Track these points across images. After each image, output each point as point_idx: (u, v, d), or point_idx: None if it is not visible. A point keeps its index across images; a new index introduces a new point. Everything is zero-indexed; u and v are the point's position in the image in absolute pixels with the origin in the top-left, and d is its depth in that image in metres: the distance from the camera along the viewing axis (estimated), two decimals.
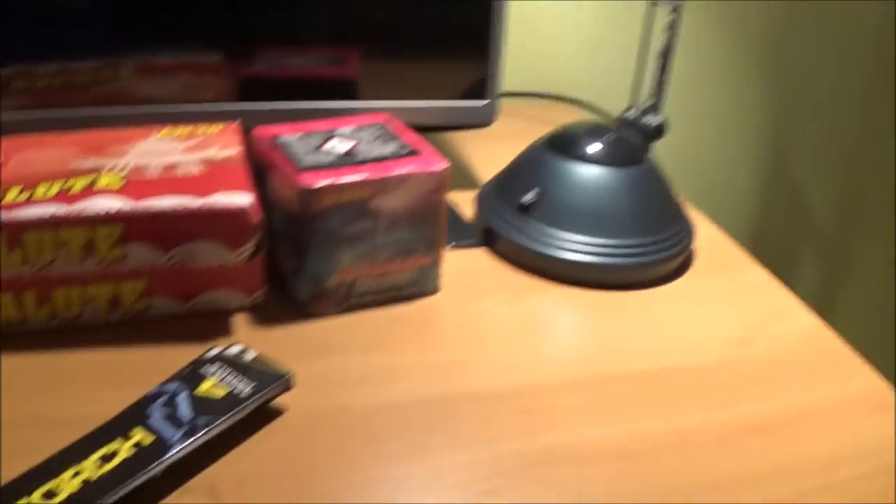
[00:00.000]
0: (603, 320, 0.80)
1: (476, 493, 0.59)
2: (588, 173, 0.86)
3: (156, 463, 0.57)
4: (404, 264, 0.76)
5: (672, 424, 0.67)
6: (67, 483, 0.55)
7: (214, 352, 0.68)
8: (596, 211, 0.85)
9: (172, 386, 0.64)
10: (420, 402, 0.68)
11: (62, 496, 0.54)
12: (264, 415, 0.65)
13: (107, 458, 0.57)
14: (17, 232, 0.68)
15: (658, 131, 0.91)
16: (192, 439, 0.59)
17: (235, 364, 0.67)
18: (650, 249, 0.85)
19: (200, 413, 0.62)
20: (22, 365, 0.69)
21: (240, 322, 0.76)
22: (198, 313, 0.75)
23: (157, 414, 0.62)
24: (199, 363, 0.67)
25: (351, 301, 0.77)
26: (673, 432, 0.66)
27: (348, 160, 0.74)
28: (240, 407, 0.63)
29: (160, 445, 0.59)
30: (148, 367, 0.70)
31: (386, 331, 0.76)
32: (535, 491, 0.60)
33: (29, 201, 0.69)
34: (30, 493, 0.54)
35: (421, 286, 0.79)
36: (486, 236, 0.90)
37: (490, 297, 0.82)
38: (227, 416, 0.62)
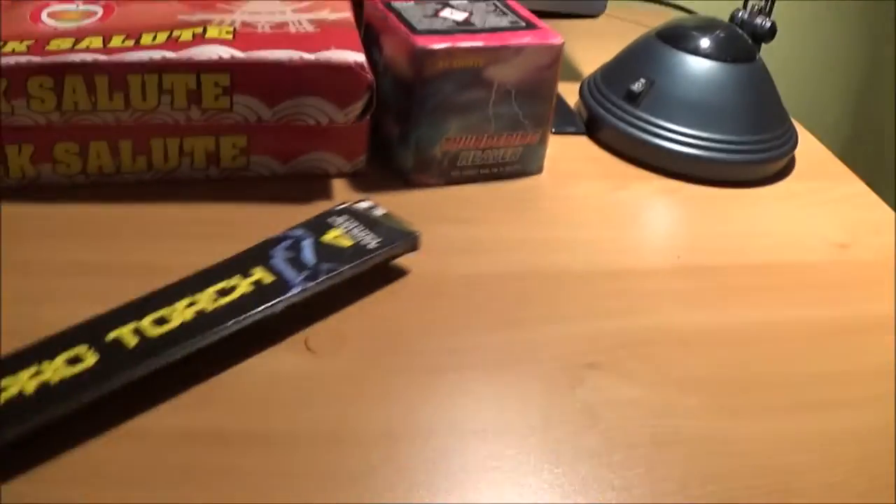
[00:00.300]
0: (704, 214, 0.78)
1: (577, 365, 0.58)
2: (699, 66, 0.84)
3: (274, 301, 0.56)
4: (510, 140, 0.75)
5: (770, 317, 0.65)
6: (181, 312, 0.54)
7: (343, 205, 0.66)
8: (704, 105, 0.83)
9: (298, 231, 0.63)
10: (521, 275, 0.67)
11: (174, 324, 0.53)
12: (367, 278, 0.64)
13: (224, 293, 0.56)
14: (120, 74, 0.66)
15: (770, 33, 0.88)
16: (313, 283, 0.58)
17: (363, 218, 0.66)
18: (756, 148, 0.83)
19: (324, 260, 0.61)
20: (116, 215, 0.69)
21: (339, 187, 0.75)
22: (296, 175, 0.74)
23: (280, 256, 0.60)
24: (327, 214, 0.65)
25: (453, 173, 0.76)
26: (770, 325, 0.64)
27: (464, 28, 0.72)
28: (365, 258, 0.62)
29: (280, 286, 0.57)
30: (247, 223, 0.69)
31: (488, 205, 0.74)
32: (636, 368, 0.59)
33: (135, 46, 0.66)
34: (140, 318, 0.53)
35: (524, 165, 0.78)
36: (590, 124, 0.88)
37: (592, 182, 0.81)
38: (351, 265, 0.61)
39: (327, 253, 0.61)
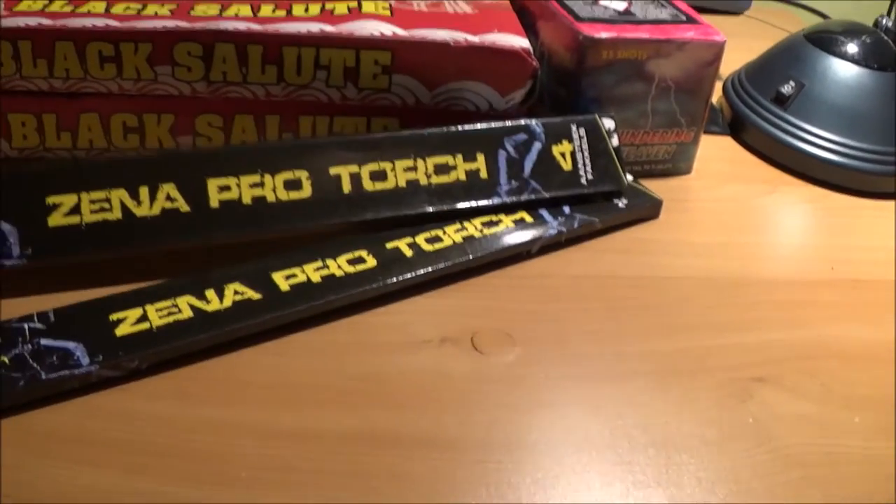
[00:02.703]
0: (851, 224, 0.75)
1: (744, 378, 0.56)
2: (848, 72, 0.81)
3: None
4: (665, 137, 0.72)
5: None
6: (451, 235, 0.61)
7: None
8: (853, 112, 0.80)
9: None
10: (680, 280, 0.65)
11: (445, 244, 0.60)
12: (526, 278, 0.63)
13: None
14: (276, 46, 0.64)
15: None
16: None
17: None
18: None
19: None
20: None
21: None
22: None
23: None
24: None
25: None
26: None
27: (627, 18, 0.69)
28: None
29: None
30: None
31: None
32: (802, 383, 0.57)
33: (288, 17, 0.64)
34: (415, 235, 0.61)
35: (675, 164, 0.75)
36: (734, 123, 0.86)
37: (739, 185, 0.78)
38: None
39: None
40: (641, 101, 0.71)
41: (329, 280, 0.55)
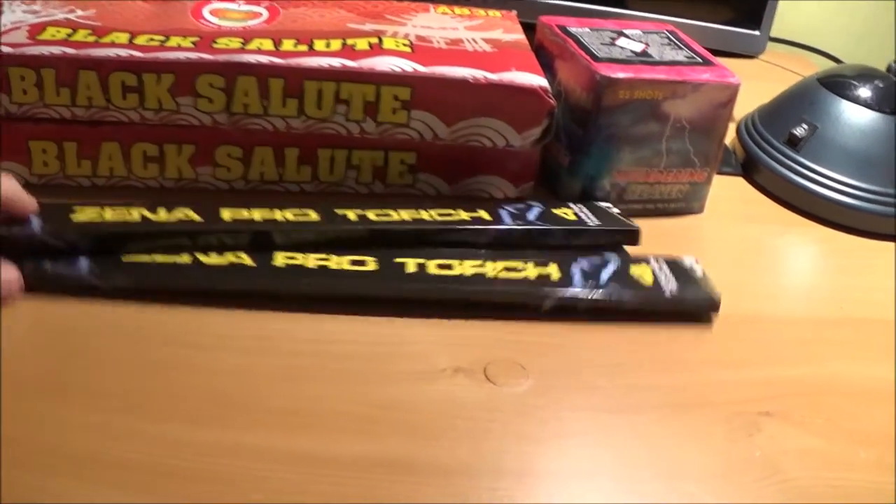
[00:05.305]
0: (862, 265, 0.77)
1: (752, 412, 0.57)
2: (861, 116, 0.83)
3: (550, 295, 0.61)
4: (678, 176, 0.73)
5: None
6: (465, 267, 0.62)
7: (668, 257, 0.66)
8: (865, 155, 0.82)
9: (610, 255, 0.65)
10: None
11: (453, 272, 0.62)
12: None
13: (511, 270, 0.62)
14: (297, 79, 0.65)
15: None
16: (590, 291, 0.62)
17: (677, 269, 0.65)
18: None
19: (617, 281, 0.63)
20: None
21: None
22: (459, 198, 0.72)
23: (581, 265, 0.64)
24: (644, 258, 0.66)
25: (619, 206, 0.73)
26: None
27: (644, 59, 0.71)
28: (652, 302, 0.63)
29: (562, 283, 0.62)
30: None
31: (653, 241, 0.71)
32: (810, 418, 0.57)
33: (309, 52, 0.65)
34: (429, 258, 0.62)
35: (688, 203, 0.76)
36: (747, 165, 0.87)
37: (751, 225, 0.79)
38: (636, 301, 0.63)
39: (620, 281, 0.62)
40: (656, 140, 0.71)
41: (322, 270, 0.59)
